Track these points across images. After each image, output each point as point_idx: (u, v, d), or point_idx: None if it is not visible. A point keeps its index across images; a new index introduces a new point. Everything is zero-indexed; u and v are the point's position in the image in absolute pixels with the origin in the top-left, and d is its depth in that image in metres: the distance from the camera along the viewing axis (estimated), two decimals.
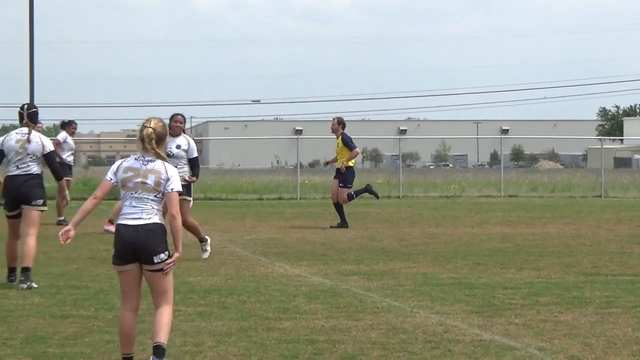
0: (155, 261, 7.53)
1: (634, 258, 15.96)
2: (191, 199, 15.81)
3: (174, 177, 7.59)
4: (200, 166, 16.65)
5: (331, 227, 22.05)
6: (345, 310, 10.74)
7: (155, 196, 7.57)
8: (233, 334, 9.34)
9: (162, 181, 7.56)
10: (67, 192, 13.61)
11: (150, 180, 7.56)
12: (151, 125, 7.64)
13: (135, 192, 7.58)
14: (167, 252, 7.58)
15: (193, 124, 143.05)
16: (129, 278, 7.66)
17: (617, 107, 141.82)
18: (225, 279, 13.23)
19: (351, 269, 14.37)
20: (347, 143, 22.37)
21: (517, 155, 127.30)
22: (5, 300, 11.40)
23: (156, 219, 7.56)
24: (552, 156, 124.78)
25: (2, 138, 12.90)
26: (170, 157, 15.63)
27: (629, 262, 15.43)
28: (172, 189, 7.56)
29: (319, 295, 11.76)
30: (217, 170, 67.04)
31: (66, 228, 7.82)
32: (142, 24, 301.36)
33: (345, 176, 22.48)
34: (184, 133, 16.06)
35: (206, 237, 15.66)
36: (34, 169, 12.58)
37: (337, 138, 22.58)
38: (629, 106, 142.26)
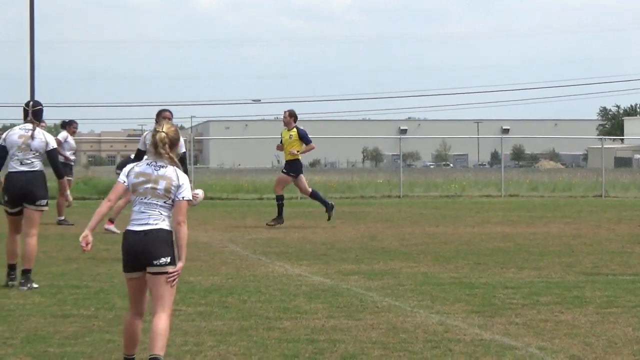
0: (155, 263, 7.43)
1: (635, 258, 15.96)
2: None
3: (186, 184, 7.49)
4: (201, 166, 16.70)
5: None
6: (345, 309, 10.75)
7: (164, 202, 7.46)
8: (233, 334, 9.34)
9: (172, 188, 7.45)
10: (68, 191, 13.49)
11: (161, 186, 7.45)
12: (164, 130, 7.55)
13: (145, 198, 7.48)
14: (169, 258, 7.42)
15: (194, 124, 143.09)
16: (136, 286, 7.58)
17: (618, 107, 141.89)
18: (225, 279, 13.23)
19: (352, 269, 14.37)
20: (304, 137, 22.47)
21: (518, 154, 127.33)
22: (5, 300, 11.40)
23: (163, 224, 7.45)
24: (553, 156, 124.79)
25: (5, 133, 12.79)
26: None
27: (630, 261, 15.43)
28: (182, 197, 7.45)
29: (320, 295, 11.76)
30: (217, 170, 67.03)
31: (84, 234, 7.63)
32: (142, 24, 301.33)
33: (293, 166, 22.52)
34: None
35: None
36: (38, 165, 12.45)
37: (289, 130, 22.58)
38: (629, 106, 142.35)
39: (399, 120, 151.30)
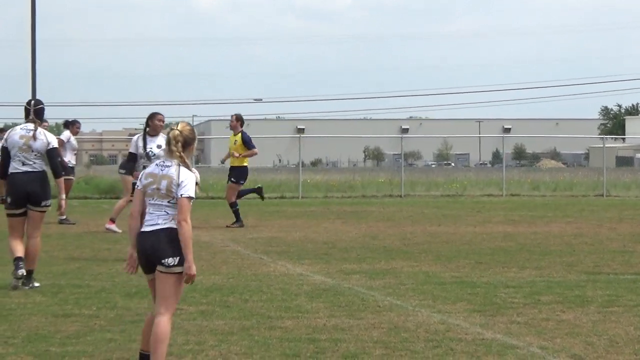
0: (163, 263, 7.37)
1: (636, 257, 15.96)
2: None
3: (185, 181, 7.36)
4: (202, 165, 16.69)
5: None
6: (347, 309, 10.74)
7: (169, 202, 7.38)
8: (235, 333, 9.34)
9: (173, 186, 7.36)
10: (64, 194, 13.08)
11: (163, 186, 7.38)
12: (178, 128, 7.48)
13: (152, 199, 7.41)
14: (178, 259, 7.32)
15: (195, 123, 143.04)
16: (153, 286, 7.54)
17: (619, 106, 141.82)
18: (227, 278, 13.23)
19: (353, 268, 14.37)
20: (247, 143, 22.35)
21: (519, 154, 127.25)
22: (6, 299, 11.40)
23: (172, 224, 7.37)
24: (554, 155, 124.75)
25: (6, 134, 12.67)
26: (152, 157, 15.68)
27: (631, 260, 15.43)
28: (181, 194, 7.34)
29: (321, 294, 11.76)
30: (218, 169, 67.02)
31: (130, 253, 7.50)
32: (143, 23, 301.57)
33: (237, 173, 22.39)
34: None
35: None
36: (40, 166, 12.34)
37: (235, 135, 22.49)
38: (631, 105, 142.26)
39: (400, 119, 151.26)
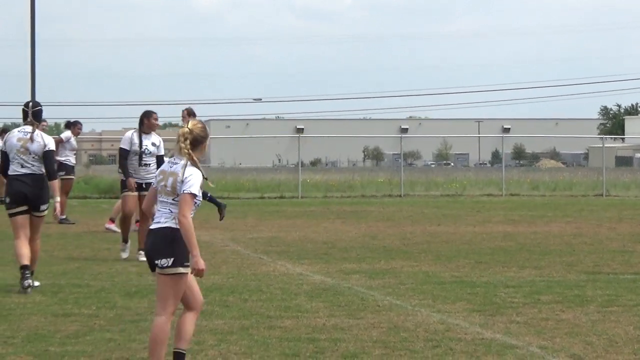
0: (156, 263, 7.34)
1: (636, 257, 15.96)
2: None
3: (189, 178, 7.27)
4: (202, 165, 16.62)
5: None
6: (346, 308, 10.74)
7: (173, 199, 7.31)
8: (234, 333, 9.34)
9: (177, 183, 7.29)
10: (58, 197, 12.89)
11: (169, 183, 7.32)
12: (189, 126, 7.41)
13: (160, 196, 7.35)
14: (171, 260, 7.24)
15: None
16: None
17: (619, 106, 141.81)
18: (226, 278, 13.23)
19: (353, 268, 14.37)
20: None
21: (519, 154, 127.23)
22: (6, 299, 11.40)
23: (172, 223, 7.29)
24: (554, 155, 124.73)
25: (5, 137, 12.68)
26: (147, 154, 15.66)
27: (631, 260, 15.43)
28: (183, 191, 7.25)
29: (321, 294, 11.76)
30: (218, 169, 67.06)
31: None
32: (142, 23, 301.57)
33: None
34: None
35: (128, 240, 15.58)
36: (39, 168, 12.27)
37: None
38: (630, 105, 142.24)
39: (399, 119, 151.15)
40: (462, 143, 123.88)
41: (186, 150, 7.36)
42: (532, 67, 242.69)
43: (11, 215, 12.27)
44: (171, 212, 7.34)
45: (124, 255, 15.40)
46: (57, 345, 8.78)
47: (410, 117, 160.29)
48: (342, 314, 10.38)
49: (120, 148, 15.73)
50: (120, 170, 16.00)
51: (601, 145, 49.58)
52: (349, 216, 25.73)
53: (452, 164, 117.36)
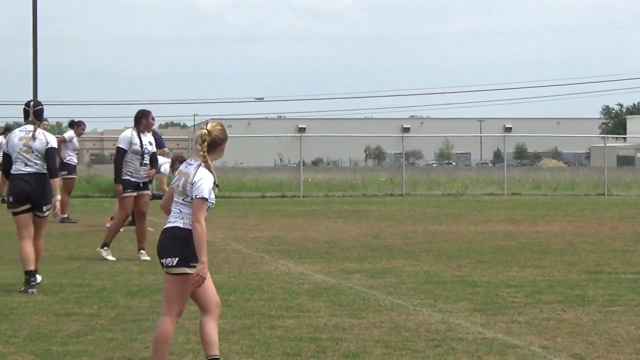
0: (162, 262, 7.31)
1: (637, 256, 15.95)
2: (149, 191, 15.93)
3: (199, 182, 7.22)
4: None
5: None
6: (348, 308, 10.74)
7: (183, 200, 7.28)
8: (236, 332, 9.33)
9: (188, 185, 7.25)
10: (59, 195, 12.70)
11: (181, 183, 7.29)
12: (207, 128, 7.33)
13: (175, 196, 7.36)
14: (176, 260, 7.23)
15: (196, 122, 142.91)
16: None
17: (621, 106, 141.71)
18: (228, 277, 13.23)
19: (354, 267, 14.36)
20: (159, 141, 22.15)
21: (521, 153, 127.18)
22: (8, 298, 11.40)
23: (179, 223, 7.27)
24: (555, 154, 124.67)
25: (6, 139, 12.61)
26: (147, 154, 15.71)
27: (632, 260, 15.42)
28: (195, 195, 7.21)
29: (322, 293, 11.76)
30: (220, 168, 66.99)
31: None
32: (143, 22, 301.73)
33: None
34: None
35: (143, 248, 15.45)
36: (43, 167, 12.22)
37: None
38: (632, 104, 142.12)
39: (401, 118, 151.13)
40: (464, 142, 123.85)
41: (202, 153, 7.29)
42: (532, 67, 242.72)
43: (14, 214, 12.25)
44: (181, 212, 7.30)
45: (111, 257, 15.33)
46: (59, 345, 8.78)
47: (412, 116, 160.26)
48: (344, 314, 10.38)
49: (119, 147, 15.67)
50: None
51: (603, 145, 49.55)
52: (351, 215, 25.73)
53: (453, 163, 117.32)
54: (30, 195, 12.12)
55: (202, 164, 7.30)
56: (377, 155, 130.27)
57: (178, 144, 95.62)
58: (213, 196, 7.40)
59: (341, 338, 9.05)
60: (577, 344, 8.82)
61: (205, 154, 7.30)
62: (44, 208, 12.24)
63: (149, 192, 15.83)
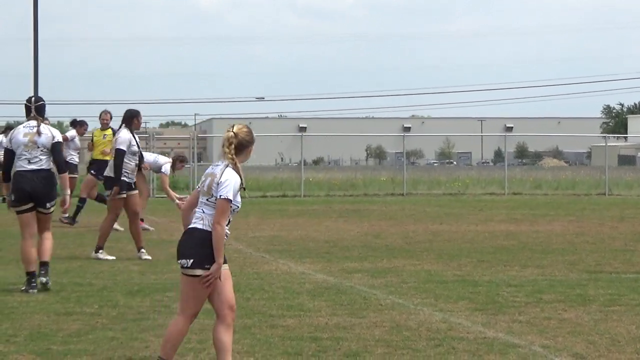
0: (178, 262, 7.24)
1: (638, 256, 15.95)
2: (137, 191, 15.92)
3: (225, 182, 7.19)
4: (205, 163, 16.64)
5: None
6: (349, 307, 10.74)
7: (207, 200, 7.23)
8: (237, 331, 9.32)
9: (214, 185, 7.21)
10: (68, 190, 12.79)
11: (206, 184, 7.26)
12: (234, 130, 7.31)
13: (200, 197, 7.32)
14: (191, 261, 7.14)
15: (197, 121, 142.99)
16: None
17: (622, 105, 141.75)
18: None
19: (355, 267, 14.36)
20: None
21: (521, 152, 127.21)
22: (9, 297, 11.40)
23: (199, 224, 7.20)
24: (556, 154, 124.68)
25: (9, 135, 12.38)
26: (140, 154, 15.80)
27: (633, 259, 15.42)
28: (220, 195, 7.18)
29: (323, 293, 11.76)
30: None
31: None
32: (143, 22, 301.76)
33: (98, 167, 21.90)
34: None
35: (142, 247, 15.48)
36: (46, 163, 12.10)
37: (104, 130, 22.13)
38: (633, 104, 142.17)
39: (402, 118, 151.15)
40: (465, 142, 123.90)
41: (230, 155, 7.28)
42: (532, 67, 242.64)
43: (17, 212, 12.13)
44: (203, 212, 7.24)
45: (109, 257, 15.32)
46: (60, 344, 8.78)
47: (413, 115, 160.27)
48: (345, 313, 10.38)
49: (120, 149, 15.57)
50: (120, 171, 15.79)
51: (604, 144, 49.56)
52: (352, 215, 25.73)
53: (454, 162, 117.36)
54: (32, 193, 11.98)
55: (230, 166, 7.27)
56: (378, 154, 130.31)
57: (179, 143, 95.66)
58: (239, 199, 7.38)
59: (342, 337, 9.05)
60: (578, 344, 8.82)
61: (234, 156, 7.28)
62: (48, 205, 12.10)
63: (137, 191, 15.84)
